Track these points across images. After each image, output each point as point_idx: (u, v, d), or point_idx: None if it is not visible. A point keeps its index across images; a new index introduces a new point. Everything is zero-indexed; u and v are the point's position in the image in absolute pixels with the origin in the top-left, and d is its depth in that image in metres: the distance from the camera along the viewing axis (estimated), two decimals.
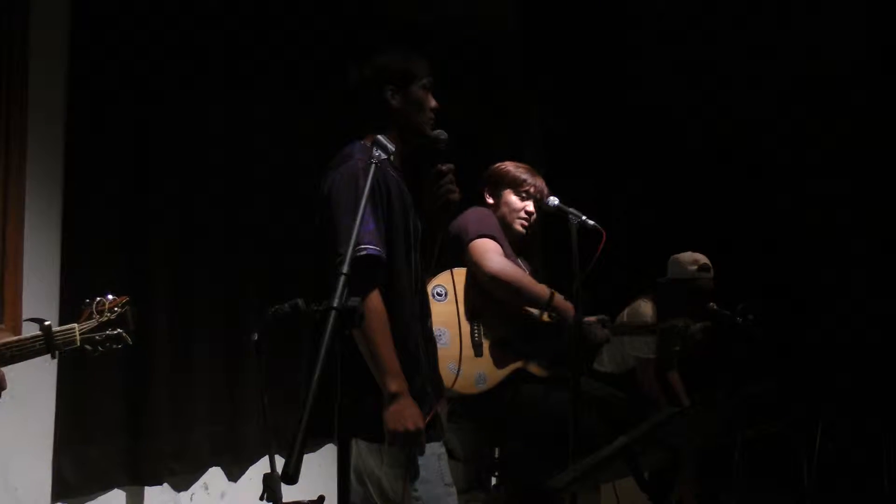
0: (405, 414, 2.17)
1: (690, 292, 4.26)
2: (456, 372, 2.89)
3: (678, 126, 5.69)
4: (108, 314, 2.38)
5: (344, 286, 1.77)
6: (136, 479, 3.51)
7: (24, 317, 3.19)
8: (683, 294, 4.28)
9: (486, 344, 3.16)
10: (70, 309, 3.32)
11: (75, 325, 2.35)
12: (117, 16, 3.50)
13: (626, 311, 4.43)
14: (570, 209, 3.18)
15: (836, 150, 5.46)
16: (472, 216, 3.26)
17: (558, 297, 3.22)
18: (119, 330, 2.39)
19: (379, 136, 2.21)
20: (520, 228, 3.39)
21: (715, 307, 4.07)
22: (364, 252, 2.19)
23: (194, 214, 3.75)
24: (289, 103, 4.14)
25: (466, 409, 3.14)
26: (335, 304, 1.72)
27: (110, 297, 2.41)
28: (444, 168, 2.46)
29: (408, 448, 2.22)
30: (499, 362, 3.16)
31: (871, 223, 5.38)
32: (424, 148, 2.52)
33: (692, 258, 4.34)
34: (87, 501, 3.41)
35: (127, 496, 3.53)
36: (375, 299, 2.22)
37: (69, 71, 3.40)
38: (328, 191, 2.34)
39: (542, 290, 3.22)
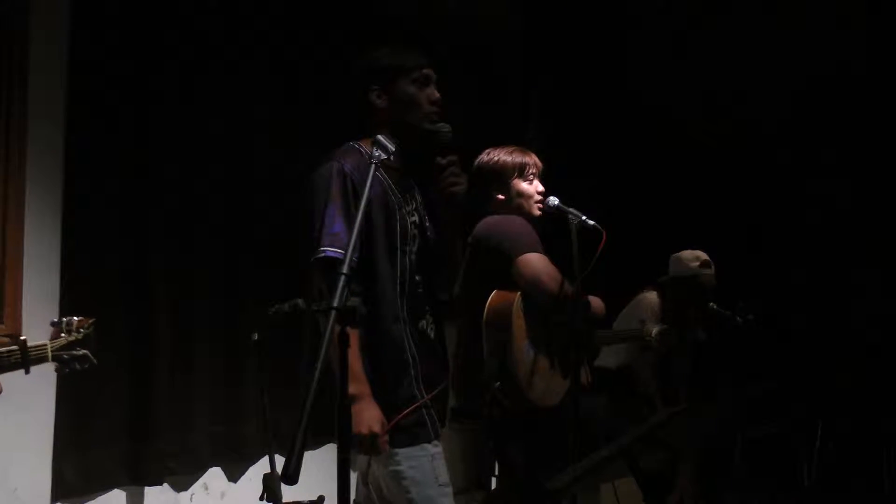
0: (362, 417, 2.17)
1: (692, 289, 4.25)
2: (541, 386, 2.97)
3: (678, 125, 5.69)
4: (76, 333, 2.50)
5: (344, 286, 1.77)
6: (136, 479, 3.51)
7: (24, 317, 3.19)
8: (685, 291, 4.28)
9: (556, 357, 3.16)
10: (70, 309, 3.32)
11: (48, 342, 2.46)
12: (117, 16, 3.50)
13: (631, 303, 4.41)
14: (570, 209, 3.16)
15: (837, 150, 5.46)
16: (509, 227, 3.14)
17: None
18: (85, 351, 2.51)
19: (379, 137, 2.19)
20: (538, 212, 3.34)
21: (715, 307, 4.06)
22: (322, 255, 2.24)
23: (195, 214, 3.75)
24: (289, 103, 4.13)
25: (544, 420, 3.10)
26: (335, 304, 1.72)
27: (76, 318, 2.53)
28: (443, 161, 2.43)
29: (363, 452, 2.23)
30: (566, 373, 3.15)
31: (871, 223, 5.38)
32: (427, 143, 2.48)
33: (693, 255, 4.34)
34: (87, 502, 3.40)
35: (127, 496, 3.53)
36: None
37: (69, 71, 3.40)
38: (304, 193, 2.38)
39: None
